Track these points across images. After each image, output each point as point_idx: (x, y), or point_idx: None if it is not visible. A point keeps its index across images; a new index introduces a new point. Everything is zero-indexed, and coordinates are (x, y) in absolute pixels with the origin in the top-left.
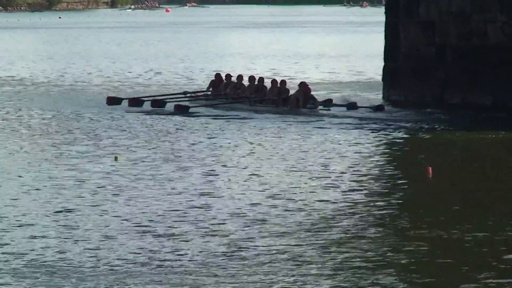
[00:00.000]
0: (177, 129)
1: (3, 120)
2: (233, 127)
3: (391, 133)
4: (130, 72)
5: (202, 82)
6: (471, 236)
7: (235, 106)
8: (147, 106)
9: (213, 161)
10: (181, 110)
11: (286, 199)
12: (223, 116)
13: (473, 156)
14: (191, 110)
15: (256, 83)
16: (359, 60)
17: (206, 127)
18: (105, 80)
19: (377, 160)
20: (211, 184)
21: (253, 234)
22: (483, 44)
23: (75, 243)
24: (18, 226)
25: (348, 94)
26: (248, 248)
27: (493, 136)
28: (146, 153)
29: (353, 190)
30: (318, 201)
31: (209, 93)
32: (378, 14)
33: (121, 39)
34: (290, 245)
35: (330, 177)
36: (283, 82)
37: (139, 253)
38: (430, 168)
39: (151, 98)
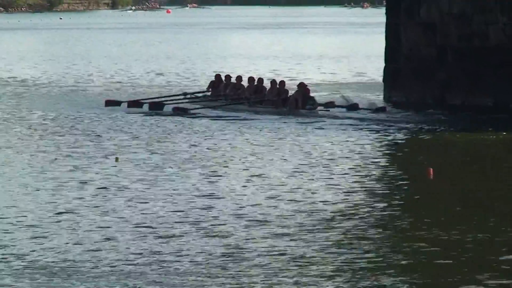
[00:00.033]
0: (177, 130)
1: (3, 121)
2: (233, 128)
3: (391, 134)
4: (131, 73)
5: (203, 83)
6: (472, 236)
7: (234, 107)
8: (146, 108)
9: (213, 162)
10: (180, 113)
11: (286, 200)
12: (222, 117)
13: (474, 157)
14: (190, 111)
15: (255, 84)
16: (360, 61)
17: (205, 128)
18: (106, 81)
19: (377, 161)
20: (211, 185)
21: (253, 235)
22: (484, 45)
23: (76, 243)
24: (18, 227)
25: (349, 95)
26: (249, 249)
27: (494, 137)
28: (146, 154)
29: (353, 191)
30: (319, 202)
31: (209, 94)
32: (379, 15)
33: (122, 40)
34: (291, 246)
35: (330, 178)
36: (282, 82)
37: (140, 254)
38: (431, 169)
39: (149, 101)
